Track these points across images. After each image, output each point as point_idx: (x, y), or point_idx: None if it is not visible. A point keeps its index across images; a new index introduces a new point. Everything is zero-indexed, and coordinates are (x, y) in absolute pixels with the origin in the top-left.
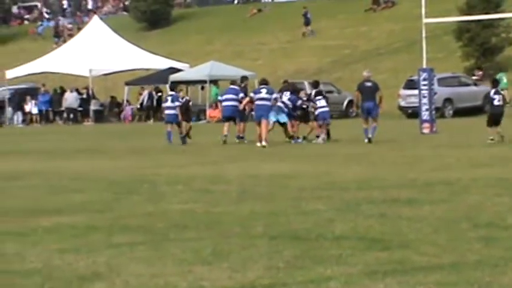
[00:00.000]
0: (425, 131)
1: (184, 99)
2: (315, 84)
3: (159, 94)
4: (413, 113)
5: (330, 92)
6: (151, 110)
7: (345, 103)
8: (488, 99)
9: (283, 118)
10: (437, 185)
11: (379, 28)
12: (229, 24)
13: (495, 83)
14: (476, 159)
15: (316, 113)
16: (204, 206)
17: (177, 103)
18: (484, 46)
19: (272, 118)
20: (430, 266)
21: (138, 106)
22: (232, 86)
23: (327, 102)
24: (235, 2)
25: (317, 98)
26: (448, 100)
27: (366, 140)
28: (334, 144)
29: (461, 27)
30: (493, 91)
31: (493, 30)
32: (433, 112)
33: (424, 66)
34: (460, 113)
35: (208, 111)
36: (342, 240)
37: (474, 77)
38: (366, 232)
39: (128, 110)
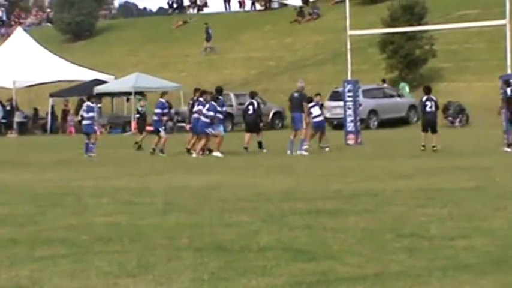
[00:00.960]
0: (350, 142)
1: (142, 109)
2: (252, 95)
3: (99, 105)
4: (338, 124)
5: None
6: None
7: (271, 114)
8: (420, 105)
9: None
10: (362, 196)
11: (304, 40)
12: (154, 35)
13: (427, 90)
14: (400, 170)
15: (313, 121)
16: (129, 218)
17: (91, 114)
18: (408, 58)
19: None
20: (354, 277)
21: (80, 118)
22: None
23: (321, 110)
24: (169, 11)
25: (311, 106)
26: (372, 111)
27: (288, 152)
28: (260, 155)
29: (385, 40)
30: (425, 98)
31: (417, 42)
32: (358, 123)
33: (349, 77)
34: (384, 124)
35: (133, 123)
36: (266, 252)
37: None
38: (291, 243)
39: (70, 121)
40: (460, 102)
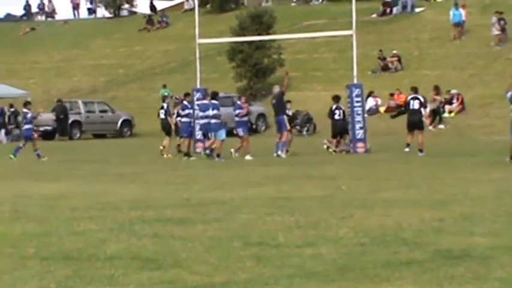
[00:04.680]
0: (199, 150)
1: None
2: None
3: (12, 110)
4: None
5: (105, 111)
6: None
7: (119, 122)
8: (329, 113)
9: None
10: (211, 205)
11: (154, 48)
12: (1, 42)
13: (336, 98)
14: (249, 178)
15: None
16: None
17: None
18: (257, 67)
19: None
20: (201, 285)
21: None
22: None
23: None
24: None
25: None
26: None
27: (275, 154)
28: (108, 164)
29: (234, 48)
30: (334, 106)
31: (265, 52)
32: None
33: (198, 86)
34: (232, 133)
35: None
36: (114, 260)
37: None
38: (139, 252)
39: None
40: (307, 111)
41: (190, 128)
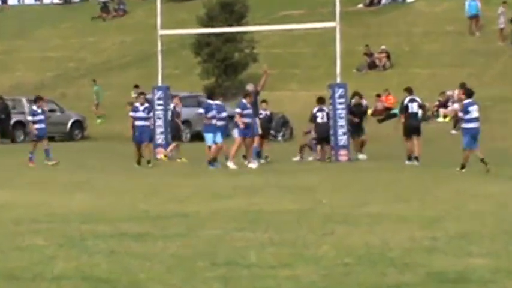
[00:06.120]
0: (159, 156)
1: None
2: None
3: None
4: None
5: (52, 110)
6: None
7: (69, 124)
8: (311, 117)
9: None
10: (173, 218)
11: (109, 39)
12: None
13: (321, 100)
14: (217, 189)
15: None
16: None
17: None
18: (226, 62)
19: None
20: None
21: None
22: None
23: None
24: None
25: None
26: (185, 122)
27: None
28: (56, 170)
29: (200, 41)
30: (316, 108)
31: (236, 45)
32: (169, 136)
33: (160, 83)
34: (199, 136)
35: None
36: (62, 280)
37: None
38: (91, 271)
39: None
40: (283, 114)
41: (150, 131)
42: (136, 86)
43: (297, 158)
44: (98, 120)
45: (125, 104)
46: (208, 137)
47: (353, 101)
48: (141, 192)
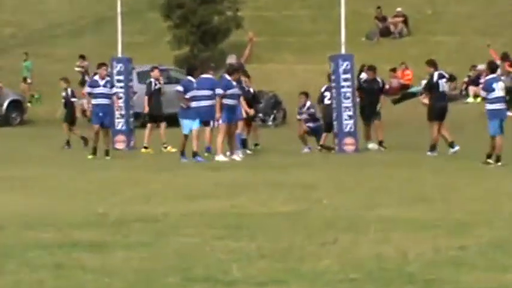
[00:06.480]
0: (119, 146)
1: None
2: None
3: None
4: None
5: None
6: None
7: (5, 104)
8: (319, 97)
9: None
10: (136, 223)
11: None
12: None
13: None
14: (192, 186)
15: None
16: None
17: None
18: (203, 28)
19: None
20: None
21: None
22: None
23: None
24: None
25: None
26: None
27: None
28: None
29: (171, 2)
30: (325, 87)
31: (215, 7)
32: (132, 120)
33: (120, 54)
34: (170, 121)
35: None
36: None
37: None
38: None
39: None
40: (275, 93)
41: (114, 112)
42: (82, 57)
43: (306, 150)
44: (30, 104)
45: (58, 80)
46: (186, 123)
47: (363, 75)
48: (97, 191)
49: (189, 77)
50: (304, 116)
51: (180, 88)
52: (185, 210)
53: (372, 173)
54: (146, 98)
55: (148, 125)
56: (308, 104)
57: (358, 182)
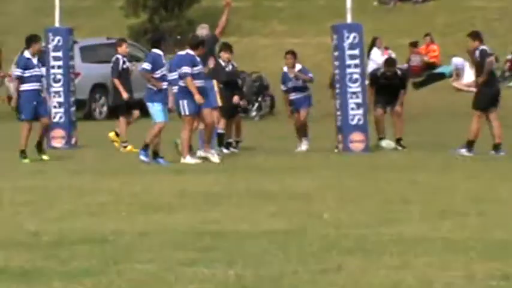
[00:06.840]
0: (57, 143)
1: None
2: None
3: None
4: None
5: None
6: None
7: None
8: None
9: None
10: (79, 245)
11: None
12: None
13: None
14: (152, 195)
15: None
16: None
17: None
18: None
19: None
20: None
21: None
22: None
23: None
24: None
25: None
26: (99, 87)
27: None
28: None
29: None
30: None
31: None
32: (73, 110)
33: (57, 23)
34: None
35: None
36: None
37: None
38: None
39: None
40: (260, 74)
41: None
42: None
43: (303, 147)
44: None
45: None
46: (158, 110)
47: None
48: (29, 203)
49: (155, 50)
50: (291, 85)
51: (146, 66)
52: (142, 227)
53: (386, 178)
54: (116, 80)
55: (121, 117)
56: (298, 67)
57: (368, 191)
